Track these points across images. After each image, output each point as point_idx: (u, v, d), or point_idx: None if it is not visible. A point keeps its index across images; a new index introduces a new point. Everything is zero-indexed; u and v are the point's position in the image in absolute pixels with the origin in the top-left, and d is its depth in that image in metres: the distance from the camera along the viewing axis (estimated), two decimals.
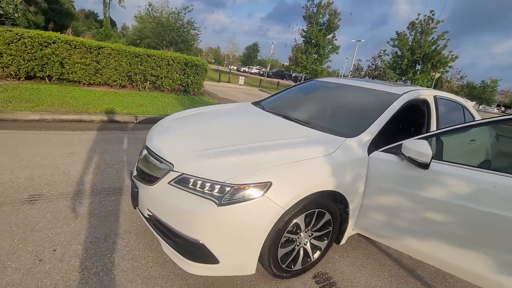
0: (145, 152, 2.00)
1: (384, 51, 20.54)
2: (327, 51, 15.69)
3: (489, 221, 1.56)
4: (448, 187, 1.69)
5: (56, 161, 3.21)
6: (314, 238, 1.97)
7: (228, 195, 1.52)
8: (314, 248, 2.00)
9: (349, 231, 2.13)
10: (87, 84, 7.44)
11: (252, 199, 1.53)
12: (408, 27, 15.09)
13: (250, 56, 36.60)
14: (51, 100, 5.41)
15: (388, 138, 2.22)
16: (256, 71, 47.33)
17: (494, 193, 1.55)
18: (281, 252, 1.77)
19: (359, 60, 38.13)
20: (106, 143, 4.05)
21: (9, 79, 6.55)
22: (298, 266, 1.92)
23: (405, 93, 2.53)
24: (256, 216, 1.56)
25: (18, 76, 6.58)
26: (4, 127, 4.07)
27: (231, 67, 40.64)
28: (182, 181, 1.67)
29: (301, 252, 1.92)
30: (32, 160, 3.14)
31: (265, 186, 1.56)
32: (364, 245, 2.51)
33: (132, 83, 8.32)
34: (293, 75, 48.79)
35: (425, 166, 1.67)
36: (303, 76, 18.02)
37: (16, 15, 6.96)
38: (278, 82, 19.64)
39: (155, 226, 1.82)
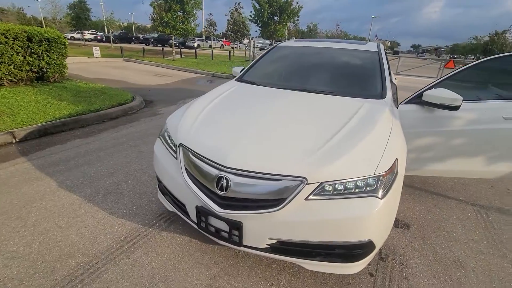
0: (231, 176, 1.50)
1: (239, 4, 21.30)
2: (190, 6, 14.56)
3: (490, 133, 2.31)
4: (466, 119, 2.31)
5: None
6: None
7: (381, 185, 1.48)
8: None
9: None
10: None
11: (394, 179, 1.56)
12: None
13: (80, 18, 28.45)
14: None
15: None
16: (91, 36, 38.21)
17: (491, 114, 2.27)
18: None
19: (210, 14, 37.71)
20: (19, 184, 2.57)
21: None
22: None
23: (378, 47, 2.97)
24: (397, 193, 1.63)
25: None
26: None
27: None
28: (322, 191, 1.45)
29: None
30: None
31: (395, 163, 1.61)
32: None
33: None
34: (141, 37, 42.73)
35: (455, 108, 2.17)
36: (157, 37, 16.29)
37: None
38: (143, 48, 16.90)
39: (286, 251, 1.55)
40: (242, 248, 1.60)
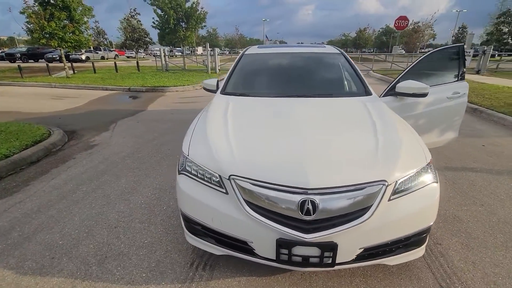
0: (318, 198, 1.41)
1: (135, 10, 19.47)
2: (79, 13, 12.32)
3: (440, 111, 2.92)
4: (425, 102, 2.84)
5: None
6: None
7: (431, 171, 1.68)
8: None
9: None
10: None
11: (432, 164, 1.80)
12: None
13: None
14: None
15: None
16: None
17: (440, 96, 2.88)
18: None
19: (96, 22, 33.19)
20: None
21: None
22: None
23: (339, 50, 3.31)
24: None
25: None
26: None
27: None
28: (397, 190, 1.53)
29: None
30: None
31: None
32: None
33: None
34: (0, 52, 33.73)
35: (425, 95, 2.63)
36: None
37: None
38: (19, 66, 13.16)
39: (371, 255, 1.58)
40: (334, 268, 1.53)
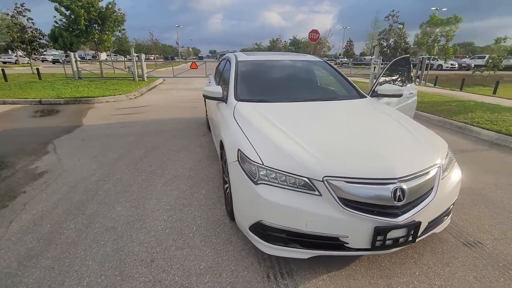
0: (405, 185, 1.64)
1: (22, 5, 15.82)
2: None
3: (404, 106, 3.64)
4: (395, 101, 3.49)
5: None
6: None
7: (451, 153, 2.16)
8: None
9: None
10: None
11: None
12: None
13: None
14: None
15: None
16: None
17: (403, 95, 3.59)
18: None
19: None
20: None
21: None
22: None
23: (320, 58, 3.71)
24: None
25: None
26: None
27: None
28: (444, 171, 1.91)
29: None
30: None
31: None
32: None
33: None
34: None
35: (400, 95, 3.24)
36: None
37: None
38: None
39: (431, 227, 1.91)
40: (415, 242, 1.79)
